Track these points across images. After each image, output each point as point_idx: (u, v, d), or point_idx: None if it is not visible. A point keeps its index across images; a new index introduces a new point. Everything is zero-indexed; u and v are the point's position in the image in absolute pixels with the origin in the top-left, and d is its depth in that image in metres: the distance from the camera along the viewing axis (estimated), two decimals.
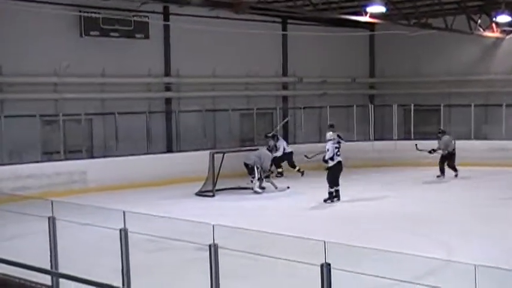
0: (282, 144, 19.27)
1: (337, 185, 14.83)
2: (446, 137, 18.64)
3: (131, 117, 19.03)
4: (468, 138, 21.91)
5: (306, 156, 17.83)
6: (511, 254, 9.73)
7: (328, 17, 19.33)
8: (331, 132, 15.31)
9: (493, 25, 21.52)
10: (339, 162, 14.90)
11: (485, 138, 22.11)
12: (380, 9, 16.63)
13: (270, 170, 17.05)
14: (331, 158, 14.74)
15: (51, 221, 7.16)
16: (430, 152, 18.60)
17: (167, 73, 20.49)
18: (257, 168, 16.53)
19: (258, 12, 20.24)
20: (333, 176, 14.82)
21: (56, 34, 17.95)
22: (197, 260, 7.59)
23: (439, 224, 12.23)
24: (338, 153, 14.87)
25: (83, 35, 18.09)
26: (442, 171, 18.40)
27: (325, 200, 14.64)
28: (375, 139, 22.36)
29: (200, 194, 16.22)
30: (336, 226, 12.31)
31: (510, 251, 9.97)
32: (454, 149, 18.63)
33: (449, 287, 4.74)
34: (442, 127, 22.16)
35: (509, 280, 6.01)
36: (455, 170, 18.49)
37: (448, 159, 18.46)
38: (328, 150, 14.74)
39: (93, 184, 16.79)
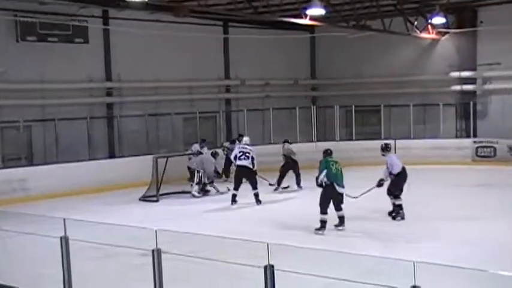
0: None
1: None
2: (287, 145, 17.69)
3: (72, 123, 18.69)
4: (408, 137, 22.40)
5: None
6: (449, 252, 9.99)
7: (268, 19, 19.45)
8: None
9: (429, 26, 22.07)
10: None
11: (424, 137, 22.64)
12: (319, 11, 16.79)
13: (220, 174, 17.22)
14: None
15: None
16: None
17: (108, 78, 20.24)
18: (198, 172, 16.52)
19: (199, 16, 20.20)
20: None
21: None
22: (141, 266, 7.56)
23: (379, 222, 12.44)
24: None
25: (20, 40, 17.69)
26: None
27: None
28: (318, 140, 22.61)
29: (144, 199, 16.08)
30: (281, 228, 12.38)
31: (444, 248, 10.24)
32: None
33: (390, 283, 4.82)
34: (383, 127, 22.69)
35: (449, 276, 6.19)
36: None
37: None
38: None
39: (33, 192, 16.39)
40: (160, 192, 16.20)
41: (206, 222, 13.27)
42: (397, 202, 12.65)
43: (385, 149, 12.99)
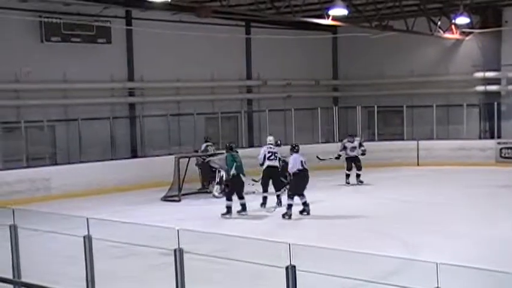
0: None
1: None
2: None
3: (95, 123, 18.84)
4: (430, 138, 22.24)
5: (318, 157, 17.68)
6: (476, 251, 9.90)
7: (291, 20, 19.42)
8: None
9: (453, 27, 21.88)
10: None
11: (447, 138, 22.45)
12: (342, 12, 16.75)
13: None
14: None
15: (13, 229, 7.06)
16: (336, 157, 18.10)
17: (130, 78, 20.36)
18: (219, 172, 16.51)
19: (221, 16, 20.24)
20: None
21: (17, 40, 17.72)
22: (163, 265, 7.58)
23: (405, 223, 12.37)
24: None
25: (44, 40, 17.88)
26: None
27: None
28: (340, 141, 22.49)
29: (166, 199, 16.13)
30: (303, 229, 12.38)
31: (471, 248, 10.15)
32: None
33: (413, 285, 4.79)
34: (405, 128, 22.52)
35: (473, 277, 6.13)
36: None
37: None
38: None
39: (56, 191, 16.56)
40: (183, 192, 16.25)
41: (228, 222, 13.26)
42: (289, 201, 13.07)
43: (292, 149, 13.70)
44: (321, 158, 17.77)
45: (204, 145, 18.04)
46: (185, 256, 5.87)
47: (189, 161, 16.75)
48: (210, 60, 21.90)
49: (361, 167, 17.89)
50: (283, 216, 13.08)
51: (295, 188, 13.31)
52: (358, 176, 17.83)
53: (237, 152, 14.41)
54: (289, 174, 13.67)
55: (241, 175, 13.62)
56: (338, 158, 18.05)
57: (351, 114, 23.84)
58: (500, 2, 21.70)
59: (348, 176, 17.94)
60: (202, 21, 19.71)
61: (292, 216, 13.08)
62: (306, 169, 13.37)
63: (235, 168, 13.55)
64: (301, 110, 23.14)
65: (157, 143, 20.08)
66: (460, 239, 10.85)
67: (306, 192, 13.36)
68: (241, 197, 13.68)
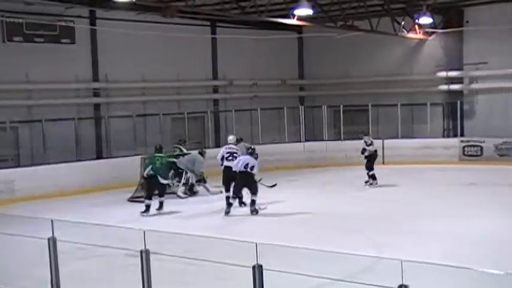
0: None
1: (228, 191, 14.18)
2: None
3: (59, 124, 18.61)
4: (395, 137, 22.49)
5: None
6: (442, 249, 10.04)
7: (256, 20, 19.43)
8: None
9: (416, 27, 22.16)
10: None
11: (412, 137, 22.74)
12: (307, 12, 16.83)
13: (202, 174, 16.80)
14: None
15: None
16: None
17: (95, 78, 20.17)
18: (186, 173, 16.45)
19: (187, 16, 20.16)
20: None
21: None
22: (129, 267, 7.53)
23: (373, 222, 12.47)
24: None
25: (6, 40, 17.60)
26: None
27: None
28: (306, 140, 22.64)
29: (132, 200, 15.99)
30: (271, 228, 12.41)
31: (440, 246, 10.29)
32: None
33: (380, 283, 4.85)
34: (370, 127, 22.73)
35: (437, 274, 6.21)
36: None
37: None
38: None
39: (20, 194, 16.27)
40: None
41: (194, 222, 13.23)
42: (232, 201, 13.61)
43: (247, 150, 14.37)
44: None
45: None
46: (152, 257, 5.84)
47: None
48: (175, 61, 21.81)
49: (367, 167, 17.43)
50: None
51: (234, 188, 13.84)
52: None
53: (162, 156, 14.66)
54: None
55: (158, 176, 14.18)
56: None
57: (317, 113, 23.96)
58: (461, 2, 22.04)
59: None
60: (168, 21, 19.53)
61: (260, 217, 13.13)
62: (247, 172, 13.48)
63: (152, 170, 14.14)
64: (267, 109, 23.18)
65: (123, 144, 19.89)
66: (429, 237, 10.99)
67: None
68: (160, 195, 14.30)
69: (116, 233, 8.05)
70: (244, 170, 13.50)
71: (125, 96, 20.95)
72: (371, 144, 17.58)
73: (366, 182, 17.23)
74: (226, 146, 14.96)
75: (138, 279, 5.84)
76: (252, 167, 13.50)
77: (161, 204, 14.25)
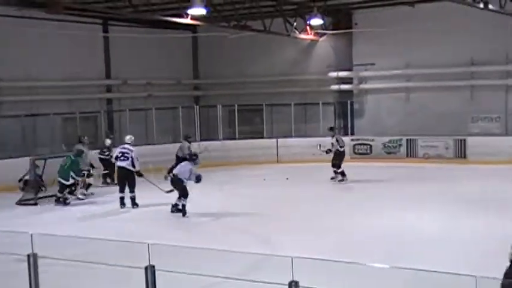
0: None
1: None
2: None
3: None
4: (289, 136, 22.94)
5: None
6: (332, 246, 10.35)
7: (149, 18, 19.25)
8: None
9: (307, 28, 22.70)
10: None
11: (305, 136, 23.29)
12: (200, 11, 16.82)
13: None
14: None
15: None
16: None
17: None
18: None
19: (78, 13, 19.65)
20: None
21: None
22: (18, 272, 7.25)
23: (268, 220, 12.65)
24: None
25: None
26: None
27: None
28: (201, 139, 22.66)
29: (21, 202, 15.40)
30: (163, 228, 12.33)
31: (331, 243, 10.60)
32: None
33: (272, 280, 4.94)
34: (265, 126, 23.06)
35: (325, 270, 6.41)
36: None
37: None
38: None
39: None
40: (40, 195, 15.64)
41: (90, 224, 12.94)
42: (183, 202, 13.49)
43: None
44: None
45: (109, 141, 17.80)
46: (42, 262, 5.67)
47: (45, 162, 16.12)
48: (66, 59, 21.25)
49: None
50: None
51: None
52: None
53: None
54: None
55: (59, 178, 14.96)
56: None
57: (212, 113, 24.04)
58: (350, 5, 22.78)
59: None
60: (58, 18, 18.99)
61: (154, 217, 13.14)
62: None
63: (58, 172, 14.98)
64: (162, 109, 23.02)
65: (11, 144, 19.11)
66: (320, 233, 11.29)
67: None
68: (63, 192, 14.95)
69: (4, 238, 7.72)
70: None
71: (13, 95, 20.18)
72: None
73: (332, 178, 17.68)
74: (121, 146, 14.90)
75: (26, 285, 5.66)
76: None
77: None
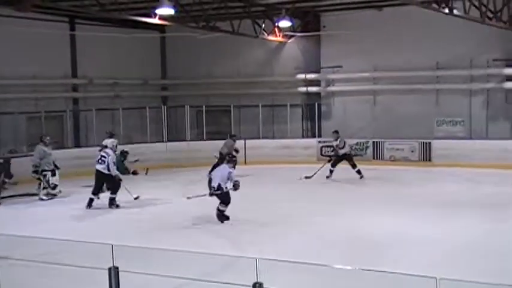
0: None
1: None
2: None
3: None
4: (257, 137, 22.98)
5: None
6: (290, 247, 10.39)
7: (117, 17, 19.10)
8: None
9: (276, 30, 22.77)
10: None
11: (273, 137, 23.35)
12: (169, 11, 16.76)
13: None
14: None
15: None
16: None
17: None
18: (45, 175, 15.83)
19: (44, 11, 19.41)
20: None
21: None
22: None
23: (238, 221, 12.63)
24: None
25: None
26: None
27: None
28: (169, 140, 22.56)
29: None
30: (126, 229, 12.25)
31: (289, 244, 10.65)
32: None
33: (239, 281, 4.96)
34: (233, 127, 23.06)
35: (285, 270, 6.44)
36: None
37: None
38: None
39: None
40: (3, 195, 15.40)
41: (54, 225, 12.76)
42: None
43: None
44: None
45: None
46: (2, 262, 5.60)
47: (10, 161, 15.90)
48: (32, 57, 20.95)
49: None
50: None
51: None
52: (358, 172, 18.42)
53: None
54: None
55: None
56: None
57: (179, 113, 23.96)
58: (319, 8, 22.92)
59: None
60: (23, 15, 18.72)
61: (121, 218, 12.98)
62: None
63: None
64: (129, 109, 22.86)
65: None
66: (287, 235, 11.33)
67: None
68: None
69: None
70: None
71: None
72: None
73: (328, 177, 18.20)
74: (103, 150, 14.92)
75: None
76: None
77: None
